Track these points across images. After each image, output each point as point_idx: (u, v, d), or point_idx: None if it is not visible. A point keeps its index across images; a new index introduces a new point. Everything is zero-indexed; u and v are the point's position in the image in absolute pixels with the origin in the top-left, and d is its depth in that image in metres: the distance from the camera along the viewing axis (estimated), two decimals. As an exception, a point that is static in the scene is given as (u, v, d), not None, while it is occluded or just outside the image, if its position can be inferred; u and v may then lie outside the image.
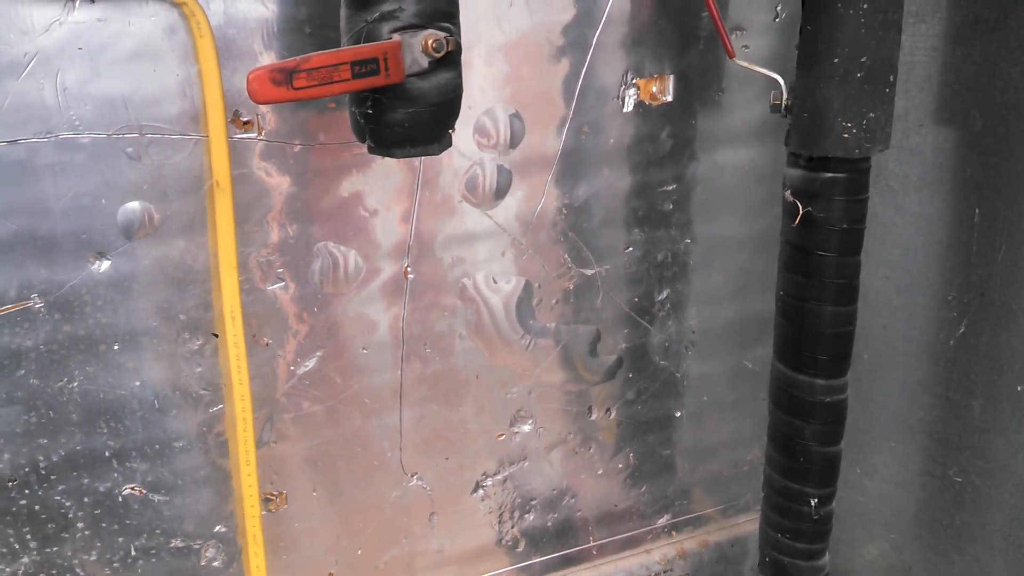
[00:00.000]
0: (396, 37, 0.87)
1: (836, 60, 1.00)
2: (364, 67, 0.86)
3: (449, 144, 0.96)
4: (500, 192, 1.17)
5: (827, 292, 1.09)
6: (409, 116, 0.91)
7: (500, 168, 1.16)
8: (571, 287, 1.26)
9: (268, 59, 1.00)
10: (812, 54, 1.02)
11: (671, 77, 1.21)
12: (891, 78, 1.02)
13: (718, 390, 1.42)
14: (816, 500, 1.16)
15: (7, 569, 1.07)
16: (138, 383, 1.07)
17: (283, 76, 0.82)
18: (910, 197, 1.25)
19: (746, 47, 1.23)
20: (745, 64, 1.08)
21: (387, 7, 0.88)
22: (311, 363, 1.15)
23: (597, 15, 1.14)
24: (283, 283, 1.10)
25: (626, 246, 1.27)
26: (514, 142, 1.16)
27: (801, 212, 1.06)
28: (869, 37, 0.99)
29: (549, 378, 1.29)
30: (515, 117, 1.15)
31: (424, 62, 0.89)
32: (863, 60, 0.99)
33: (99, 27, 0.94)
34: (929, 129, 1.21)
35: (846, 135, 1.02)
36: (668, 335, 1.35)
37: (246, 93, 0.98)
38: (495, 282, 1.22)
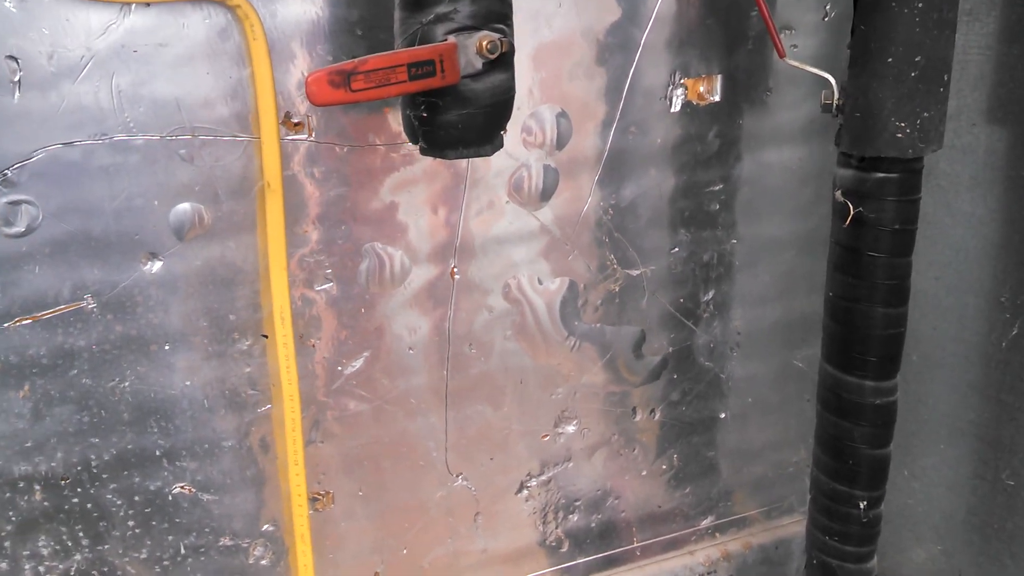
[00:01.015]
0: (451, 39, 0.87)
1: (890, 59, 0.99)
2: (420, 69, 0.86)
3: (501, 145, 0.96)
4: (546, 192, 1.17)
5: (877, 293, 1.08)
6: (463, 118, 0.91)
7: (547, 168, 1.16)
8: (616, 288, 1.25)
9: (320, 61, 1.01)
10: (865, 53, 1.01)
11: (719, 77, 1.20)
12: (945, 77, 1.00)
13: (763, 391, 1.41)
14: (865, 503, 1.15)
15: (60, 566, 1.08)
16: (188, 383, 1.08)
17: (341, 78, 0.83)
18: (961, 197, 1.23)
19: (795, 46, 1.22)
20: (796, 64, 1.07)
21: (442, 9, 0.88)
22: (358, 363, 1.15)
23: (645, 15, 1.14)
24: (330, 284, 1.11)
25: (672, 247, 1.26)
26: (561, 142, 1.15)
27: (852, 213, 1.05)
28: (924, 36, 0.98)
29: (593, 379, 1.29)
30: (562, 117, 1.14)
31: (478, 64, 0.89)
32: (917, 59, 0.98)
33: (154, 30, 0.95)
34: (981, 128, 1.19)
35: (899, 135, 1.01)
36: (713, 336, 1.34)
37: (297, 95, 1.01)
38: (540, 283, 1.21)
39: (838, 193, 1.07)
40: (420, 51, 0.86)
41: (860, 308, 1.09)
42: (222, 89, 0.99)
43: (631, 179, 1.21)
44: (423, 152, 0.96)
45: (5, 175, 0.94)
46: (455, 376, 1.21)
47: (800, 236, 1.33)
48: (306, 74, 0.91)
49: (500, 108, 0.94)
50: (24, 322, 0.99)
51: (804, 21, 1.22)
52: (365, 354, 1.15)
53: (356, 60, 0.84)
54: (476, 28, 0.89)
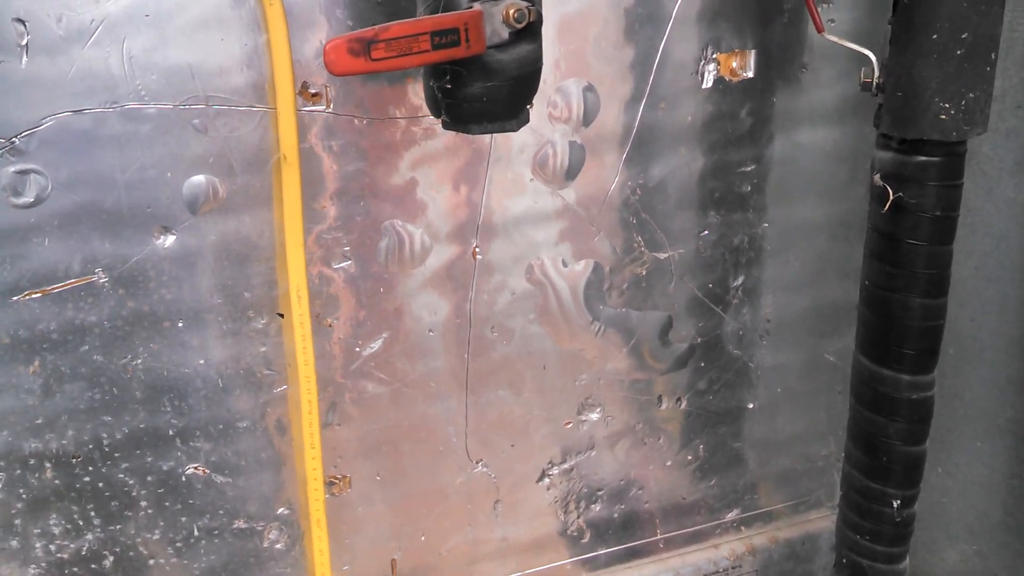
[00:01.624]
0: (477, 6, 0.84)
1: (935, 36, 0.95)
2: (444, 38, 0.82)
3: (527, 120, 0.93)
4: (572, 170, 1.14)
5: (916, 283, 1.04)
6: (487, 90, 0.88)
7: (573, 145, 1.13)
8: (643, 272, 1.22)
9: (339, 28, 0.98)
10: (908, 29, 0.97)
11: (752, 52, 1.16)
12: (992, 56, 0.96)
13: (792, 381, 1.37)
14: (898, 502, 1.11)
15: (71, 545, 1.07)
16: (202, 361, 1.06)
17: (361, 47, 0.79)
18: (1004, 183, 1.19)
19: (832, 21, 1.18)
20: (835, 39, 1.03)
21: None
22: (376, 344, 1.13)
23: (678, -16, 1.10)
24: (348, 262, 1.08)
25: (701, 229, 1.23)
26: (588, 118, 1.12)
27: (891, 198, 1.02)
28: (971, 11, 0.93)
29: (618, 366, 1.26)
30: (589, 91, 1.11)
31: (504, 33, 0.86)
32: (964, 36, 0.94)
33: (166, -7, 0.92)
34: (1027, 110, 1.15)
35: (943, 116, 0.96)
36: (742, 323, 1.30)
37: (315, 64, 0.98)
38: (564, 265, 1.18)
39: (877, 177, 1.03)
40: (444, 18, 0.83)
41: (898, 298, 1.05)
42: (237, 56, 0.96)
43: (660, 158, 1.17)
44: (445, 126, 0.93)
45: (13, 143, 0.92)
46: (476, 360, 1.19)
47: (834, 220, 1.29)
48: (324, 42, 0.88)
49: (527, 81, 0.91)
50: (34, 296, 0.98)
51: (842, -8, 1.18)
52: (384, 335, 1.13)
53: (377, 27, 0.80)
54: None
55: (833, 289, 1.33)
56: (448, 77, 0.88)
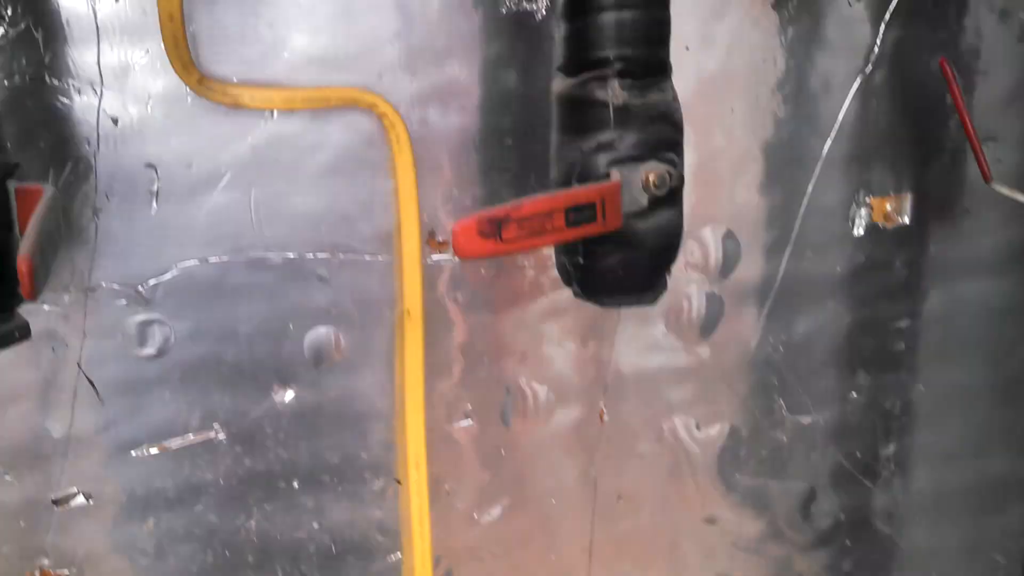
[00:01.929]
0: (614, 172, 0.81)
1: (1126, 194, 0.87)
2: (579, 213, 0.80)
3: (664, 289, 0.89)
4: (709, 324, 1.08)
5: None
6: (622, 262, 0.85)
7: (710, 296, 1.07)
8: (784, 438, 1.13)
9: (468, 173, 0.96)
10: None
11: (909, 196, 1.10)
12: None
13: (950, 567, 1.25)
14: None
15: None
16: (316, 525, 1.01)
17: (492, 228, 0.78)
18: None
19: (999, 160, 1.10)
20: (1005, 191, 0.97)
21: (605, 137, 0.82)
22: (495, 511, 1.06)
23: (827, 124, 1.05)
24: (469, 421, 1.03)
25: (848, 391, 1.15)
26: (727, 268, 1.07)
27: None
28: None
29: (754, 542, 1.17)
30: (729, 239, 1.06)
31: (643, 200, 0.82)
32: None
33: (295, 138, 0.92)
34: None
35: None
36: (893, 498, 1.20)
37: (443, 209, 0.96)
38: (698, 428, 1.11)
39: None
40: (579, 193, 0.81)
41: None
42: (364, 203, 0.94)
43: (805, 312, 1.10)
44: (576, 295, 0.90)
45: (139, 291, 0.91)
46: (601, 531, 1.11)
47: (999, 384, 1.20)
48: (452, 187, 0.86)
49: (666, 251, 0.87)
50: (151, 451, 0.95)
51: (1010, 131, 1.11)
52: (503, 502, 1.07)
53: (509, 206, 0.78)
54: (641, 159, 0.83)
55: (998, 463, 1.22)
56: (581, 253, 0.86)
